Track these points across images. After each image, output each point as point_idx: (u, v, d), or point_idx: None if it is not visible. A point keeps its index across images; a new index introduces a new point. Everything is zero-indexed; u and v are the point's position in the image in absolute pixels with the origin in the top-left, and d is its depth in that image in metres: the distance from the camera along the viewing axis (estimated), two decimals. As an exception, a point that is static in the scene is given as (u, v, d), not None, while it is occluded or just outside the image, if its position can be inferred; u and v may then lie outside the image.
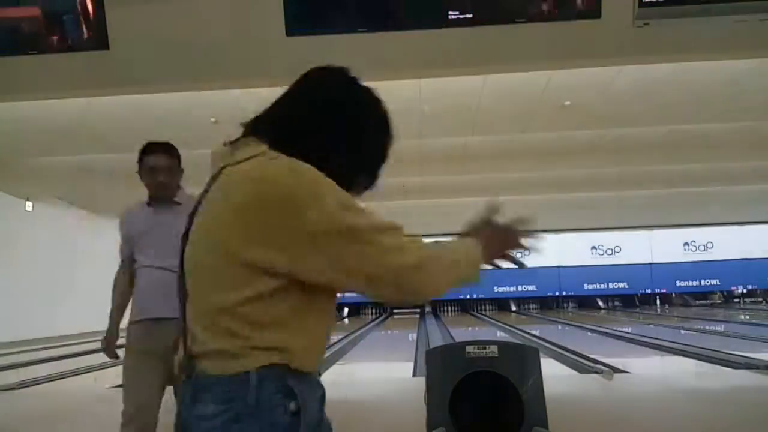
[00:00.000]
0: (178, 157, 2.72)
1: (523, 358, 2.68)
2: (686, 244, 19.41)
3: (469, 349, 2.68)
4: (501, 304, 20.15)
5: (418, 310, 19.87)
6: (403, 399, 4.85)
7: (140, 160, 2.63)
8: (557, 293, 19.67)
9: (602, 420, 4.12)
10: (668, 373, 6.94)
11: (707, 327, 12.55)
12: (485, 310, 20.08)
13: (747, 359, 6.44)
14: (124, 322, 2.58)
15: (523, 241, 1.29)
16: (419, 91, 6.87)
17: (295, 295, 0.99)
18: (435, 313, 19.33)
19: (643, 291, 19.84)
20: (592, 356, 7.15)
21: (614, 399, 4.88)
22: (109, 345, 2.61)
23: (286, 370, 0.97)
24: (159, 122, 7.72)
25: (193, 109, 7.29)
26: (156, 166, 2.61)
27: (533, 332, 11.60)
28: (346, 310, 20.08)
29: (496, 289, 19.59)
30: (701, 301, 20.32)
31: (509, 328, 13.21)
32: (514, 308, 19.95)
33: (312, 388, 1.01)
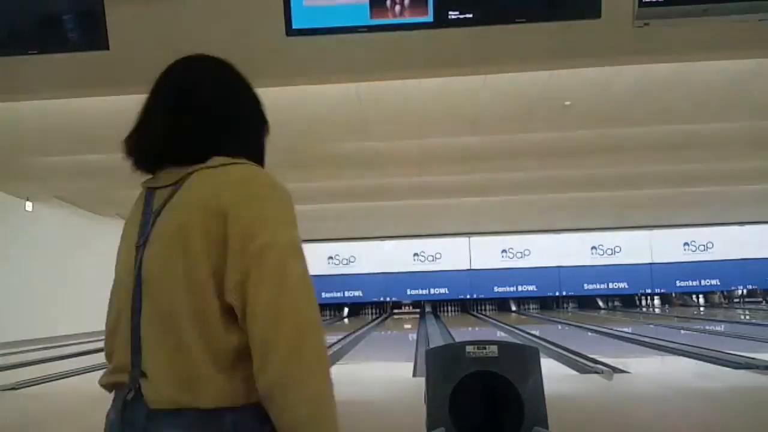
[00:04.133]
0: None
1: (523, 358, 2.68)
2: (686, 244, 19.40)
3: (469, 349, 2.68)
4: (501, 304, 20.15)
5: (417, 310, 19.89)
6: (403, 399, 4.85)
7: None
8: (557, 293, 19.67)
9: (602, 420, 4.12)
10: (668, 373, 6.94)
11: (707, 327, 12.54)
12: (485, 310, 20.08)
13: (747, 359, 6.44)
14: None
15: None
16: (419, 91, 6.87)
17: None
18: (435, 313, 19.33)
19: (643, 291, 19.85)
20: (592, 356, 7.15)
21: (614, 399, 4.88)
22: None
23: None
24: (159, 122, 7.72)
25: (193, 109, 7.28)
26: None
27: (533, 332, 11.59)
28: (346, 310, 20.08)
29: (496, 289, 19.59)
30: (701, 301, 20.34)
31: (509, 328, 13.21)
32: (514, 308, 19.94)
33: None
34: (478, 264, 19.53)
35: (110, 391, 1.13)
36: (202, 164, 1.10)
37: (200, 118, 1.16)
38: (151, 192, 1.16)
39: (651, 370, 7.28)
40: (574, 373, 6.41)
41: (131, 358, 1.05)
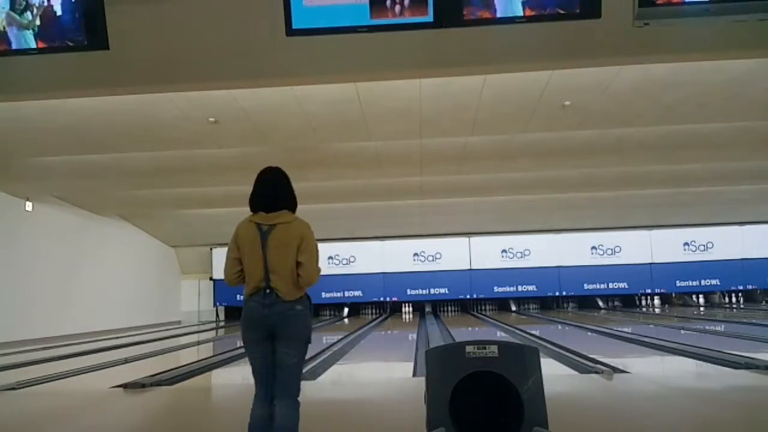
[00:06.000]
0: None
1: (523, 358, 2.67)
2: (686, 244, 19.41)
3: (469, 349, 2.68)
4: (501, 304, 20.15)
5: (416, 311, 19.93)
6: (403, 399, 4.85)
7: None
8: (557, 293, 19.67)
9: (602, 420, 4.12)
10: (668, 373, 6.94)
11: (707, 327, 12.55)
12: (485, 310, 20.08)
13: (747, 359, 6.44)
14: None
15: None
16: (419, 91, 6.87)
17: None
18: (435, 313, 19.32)
19: (643, 291, 19.85)
20: (592, 356, 7.15)
21: (614, 399, 4.88)
22: None
23: None
24: (159, 122, 7.73)
25: (192, 109, 7.30)
26: None
27: (533, 332, 11.60)
28: (346, 310, 20.08)
29: (496, 289, 19.59)
30: (701, 301, 20.34)
31: (509, 328, 13.21)
32: (514, 308, 19.94)
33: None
34: (478, 264, 19.53)
35: (251, 294, 2.93)
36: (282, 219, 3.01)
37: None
38: (258, 224, 2.98)
39: (651, 370, 7.29)
40: (574, 373, 6.41)
41: (264, 279, 2.91)
